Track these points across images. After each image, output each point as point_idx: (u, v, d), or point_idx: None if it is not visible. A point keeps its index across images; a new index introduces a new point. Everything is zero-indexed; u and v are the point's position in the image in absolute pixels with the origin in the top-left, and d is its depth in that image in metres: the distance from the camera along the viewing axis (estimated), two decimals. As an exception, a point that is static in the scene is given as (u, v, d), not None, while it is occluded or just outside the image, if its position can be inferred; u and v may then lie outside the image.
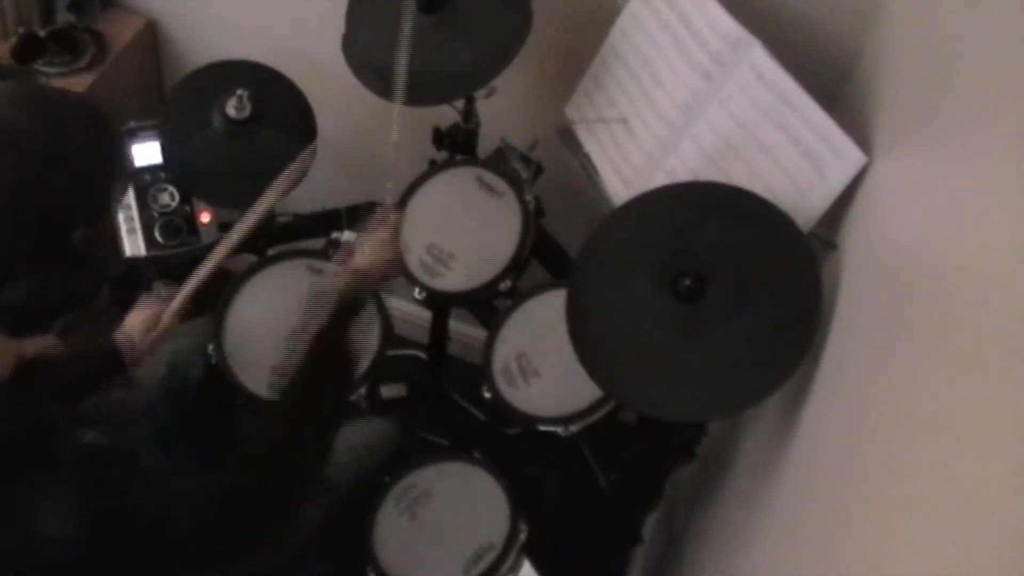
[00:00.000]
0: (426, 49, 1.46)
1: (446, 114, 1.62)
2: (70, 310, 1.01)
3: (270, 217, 1.72)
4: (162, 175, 1.64)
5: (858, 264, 1.13)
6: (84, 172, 0.98)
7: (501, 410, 1.43)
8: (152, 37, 2.00)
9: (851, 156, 1.16)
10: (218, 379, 1.45)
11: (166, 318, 1.33)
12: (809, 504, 1.04)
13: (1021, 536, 0.58)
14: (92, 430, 1.15)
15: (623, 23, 1.43)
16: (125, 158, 1.03)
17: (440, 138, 1.65)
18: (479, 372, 1.47)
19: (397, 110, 1.30)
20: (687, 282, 1.11)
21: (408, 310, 1.89)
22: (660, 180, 1.34)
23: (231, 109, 1.49)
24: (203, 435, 1.53)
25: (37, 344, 1.16)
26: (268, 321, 1.50)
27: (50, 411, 1.08)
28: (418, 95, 1.49)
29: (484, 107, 1.59)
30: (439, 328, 1.80)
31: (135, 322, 1.32)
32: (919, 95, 1.09)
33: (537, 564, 1.45)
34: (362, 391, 1.47)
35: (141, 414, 1.43)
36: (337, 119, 1.69)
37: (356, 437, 1.52)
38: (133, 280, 1.66)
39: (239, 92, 1.49)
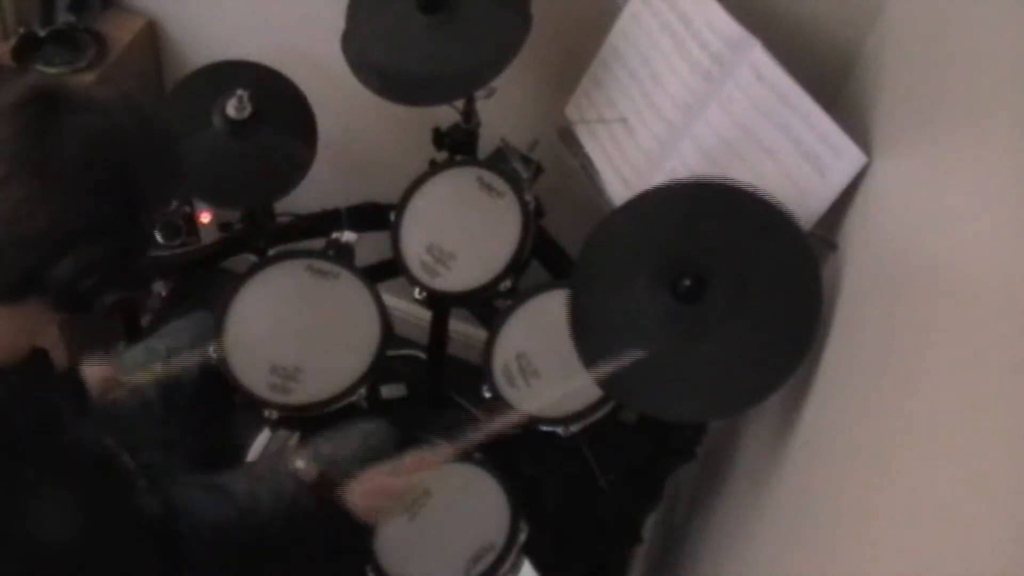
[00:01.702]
0: (426, 49, 1.46)
1: (446, 114, 1.62)
2: (124, 291, 1.03)
3: (270, 217, 1.73)
4: (162, 175, 1.64)
5: (858, 264, 1.13)
6: (165, 161, 1.04)
7: (501, 410, 1.43)
8: (152, 37, 2.00)
9: (851, 156, 1.16)
10: (215, 377, 1.45)
11: (118, 387, 1.36)
12: (809, 504, 1.04)
13: (1021, 536, 0.58)
14: (92, 428, 1.15)
15: (623, 23, 1.43)
16: (184, 168, 1.11)
17: (440, 138, 1.65)
18: (479, 372, 1.47)
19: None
20: (687, 282, 1.11)
21: (408, 310, 1.89)
22: (660, 180, 1.34)
23: (231, 109, 1.49)
24: (201, 433, 1.53)
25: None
26: (268, 321, 1.50)
27: (53, 402, 1.08)
28: (418, 95, 1.49)
29: (484, 107, 1.59)
30: (439, 328, 1.80)
31: (91, 378, 1.34)
32: (919, 95, 1.09)
33: (537, 564, 1.45)
34: (362, 391, 1.47)
35: (138, 412, 1.43)
36: (337, 119, 1.69)
37: (357, 437, 1.52)
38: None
39: (239, 92, 1.49)
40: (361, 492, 1.27)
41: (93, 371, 1.36)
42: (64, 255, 0.95)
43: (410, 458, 1.29)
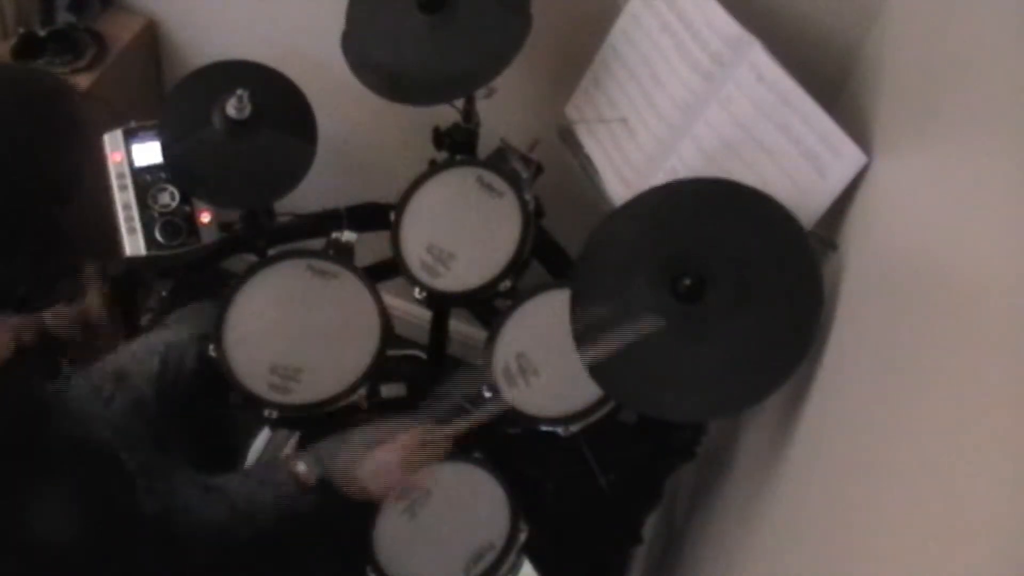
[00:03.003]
0: (426, 49, 1.46)
1: (446, 114, 1.62)
2: (48, 290, 1.02)
3: (270, 217, 1.73)
4: (162, 175, 1.64)
5: (858, 264, 1.13)
6: (50, 147, 0.97)
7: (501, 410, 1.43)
8: (152, 37, 2.00)
9: (851, 156, 1.16)
10: (213, 373, 1.45)
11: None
12: (809, 504, 1.04)
13: (1020, 537, 0.58)
14: (90, 426, 1.15)
15: (623, 23, 1.43)
16: (92, 127, 1.04)
17: (440, 138, 1.65)
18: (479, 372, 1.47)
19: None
20: (687, 282, 1.11)
21: (408, 310, 1.89)
22: (660, 180, 1.34)
23: (231, 109, 1.49)
24: (197, 430, 1.52)
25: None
26: (268, 321, 1.50)
27: (43, 402, 1.08)
28: (418, 95, 1.49)
29: (484, 107, 1.59)
30: (439, 328, 1.80)
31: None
32: (919, 94, 1.09)
33: (537, 564, 1.45)
34: (362, 391, 1.47)
35: (133, 409, 1.43)
36: (337, 119, 1.69)
37: (360, 443, 1.52)
38: (133, 280, 1.66)
39: (239, 92, 1.49)
40: (372, 474, 1.28)
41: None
42: None
43: (409, 435, 1.31)
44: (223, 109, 1.50)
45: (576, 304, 1.23)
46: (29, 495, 1.01)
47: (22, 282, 0.97)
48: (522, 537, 1.44)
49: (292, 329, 1.50)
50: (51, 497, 1.02)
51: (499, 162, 1.60)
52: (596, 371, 1.19)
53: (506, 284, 1.50)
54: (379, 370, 1.48)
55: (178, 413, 1.48)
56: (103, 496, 1.08)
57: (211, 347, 1.45)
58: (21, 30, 1.84)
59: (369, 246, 1.64)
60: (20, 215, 0.95)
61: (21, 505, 1.00)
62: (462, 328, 2.02)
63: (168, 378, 1.47)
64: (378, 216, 1.61)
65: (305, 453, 1.36)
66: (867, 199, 1.16)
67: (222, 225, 1.66)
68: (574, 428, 1.39)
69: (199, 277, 1.69)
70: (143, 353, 1.47)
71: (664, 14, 1.36)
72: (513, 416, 1.43)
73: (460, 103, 1.59)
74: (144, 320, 1.81)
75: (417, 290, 1.51)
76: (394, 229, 1.55)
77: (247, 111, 1.50)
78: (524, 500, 1.47)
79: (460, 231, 1.54)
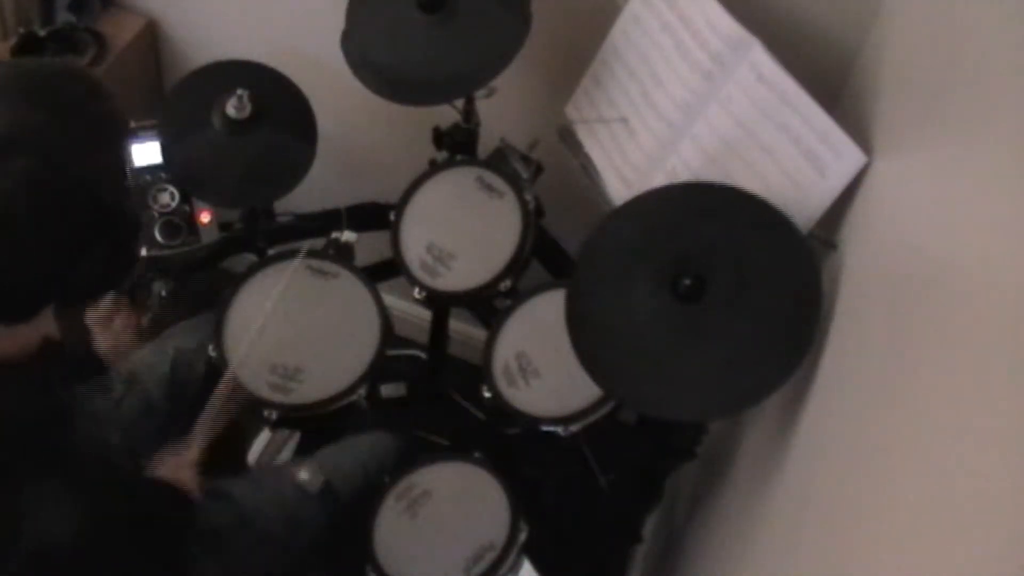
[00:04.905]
0: (426, 49, 1.46)
1: (446, 114, 1.62)
2: (129, 275, 1.05)
3: (270, 217, 1.73)
4: (162, 175, 1.64)
5: (858, 264, 1.13)
6: (105, 142, 1.02)
7: (501, 410, 1.43)
8: (152, 37, 2.00)
9: (851, 156, 1.16)
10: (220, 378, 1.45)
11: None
12: (809, 504, 1.04)
13: (1021, 536, 0.58)
14: (99, 426, 1.15)
15: (623, 23, 1.43)
16: (124, 116, 1.08)
17: (440, 138, 1.65)
18: (479, 372, 1.47)
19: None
20: (687, 282, 1.11)
21: (408, 310, 1.89)
22: (660, 180, 1.34)
23: (231, 109, 1.49)
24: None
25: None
26: (268, 321, 1.50)
27: (61, 400, 1.08)
28: (418, 95, 1.49)
29: (484, 107, 1.59)
30: (439, 328, 1.80)
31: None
32: (919, 94, 1.09)
33: (537, 564, 1.45)
34: (362, 391, 1.47)
35: (142, 413, 1.43)
36: (337, 119, 1.69)
37: (362, 450, 1.53)
38: (133, 280, 1.66)
39: (239, 92, 1.49)
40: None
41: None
42: (67, 275, 0.96)
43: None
44: (223, 109, 1.50)
45: (574, 304, 1.23)
46: (38, 495, 1.01)
47: (101, 274, 0.99)
48: (522, 537, 1.44)
49: (292, 329, 1.50)
50: (58, 495, 1.02)
51: (499, 162, 1.60)
52: (596, 371, 1.19)
53: (506, 284, 1.50)
54: (379, 370, 1.48)
55: (186, 417, 1.48)
56: (110, 496, 1.08)
57: (211, 347, 1.45)
58: (21, 30, 1.84)
59: (369, 246, 1.64)
60: (98, 210, 0.98)
61: (29, 504, 1.00)
62: (462, 328, 2.02)
63: (178, 383, 1.47)
64: (378, 216, 1.61)
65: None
66: (867, 199, 1.16)
67: (222, 225, 1.66)
68: (574, 428, 1.39)
69: (199, 277, 1.69)
70: (153, 358, 1.48)
71: (664, 14, 1.36)
72: (513, 416, 1.43)
73: (460, 103, 1.59)
74: (145, 320, 1.81)
75: (417, 290, 1.51)
76: (394, 229, 1.55)
77: (247, 111, 1.50)
78: (524, 500, 1.47)
79: (460, 231, 1.54)
